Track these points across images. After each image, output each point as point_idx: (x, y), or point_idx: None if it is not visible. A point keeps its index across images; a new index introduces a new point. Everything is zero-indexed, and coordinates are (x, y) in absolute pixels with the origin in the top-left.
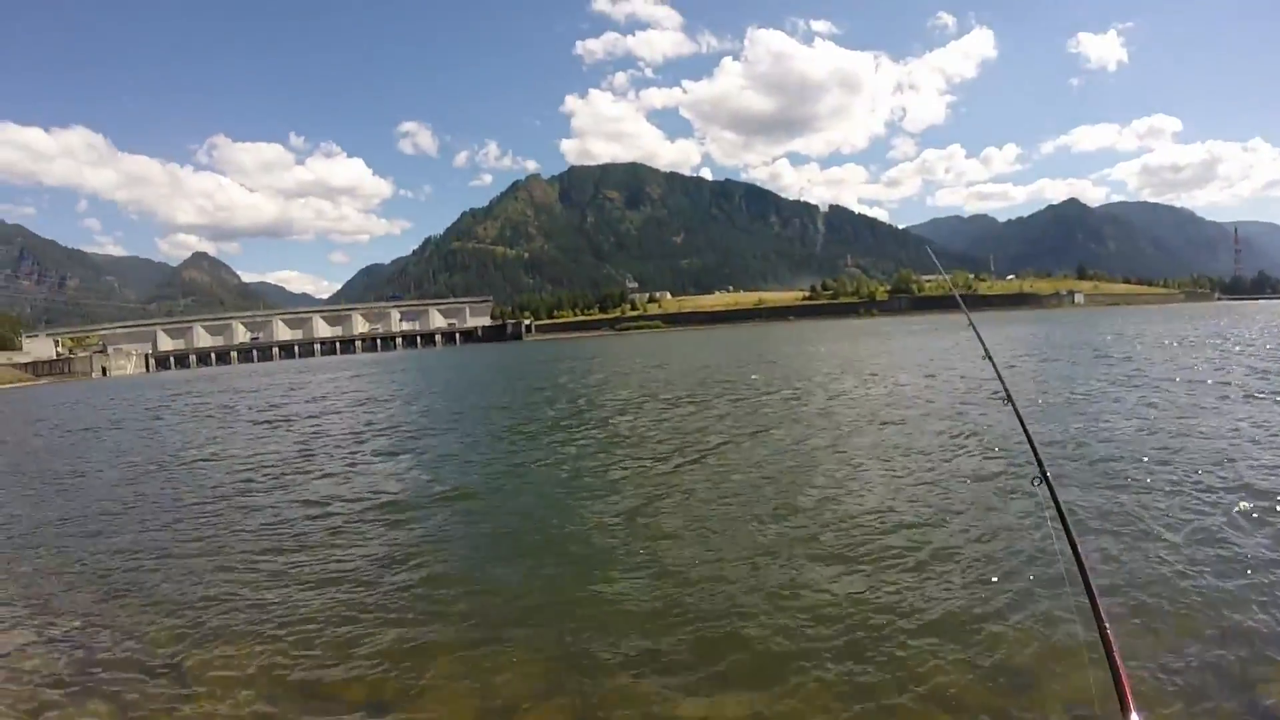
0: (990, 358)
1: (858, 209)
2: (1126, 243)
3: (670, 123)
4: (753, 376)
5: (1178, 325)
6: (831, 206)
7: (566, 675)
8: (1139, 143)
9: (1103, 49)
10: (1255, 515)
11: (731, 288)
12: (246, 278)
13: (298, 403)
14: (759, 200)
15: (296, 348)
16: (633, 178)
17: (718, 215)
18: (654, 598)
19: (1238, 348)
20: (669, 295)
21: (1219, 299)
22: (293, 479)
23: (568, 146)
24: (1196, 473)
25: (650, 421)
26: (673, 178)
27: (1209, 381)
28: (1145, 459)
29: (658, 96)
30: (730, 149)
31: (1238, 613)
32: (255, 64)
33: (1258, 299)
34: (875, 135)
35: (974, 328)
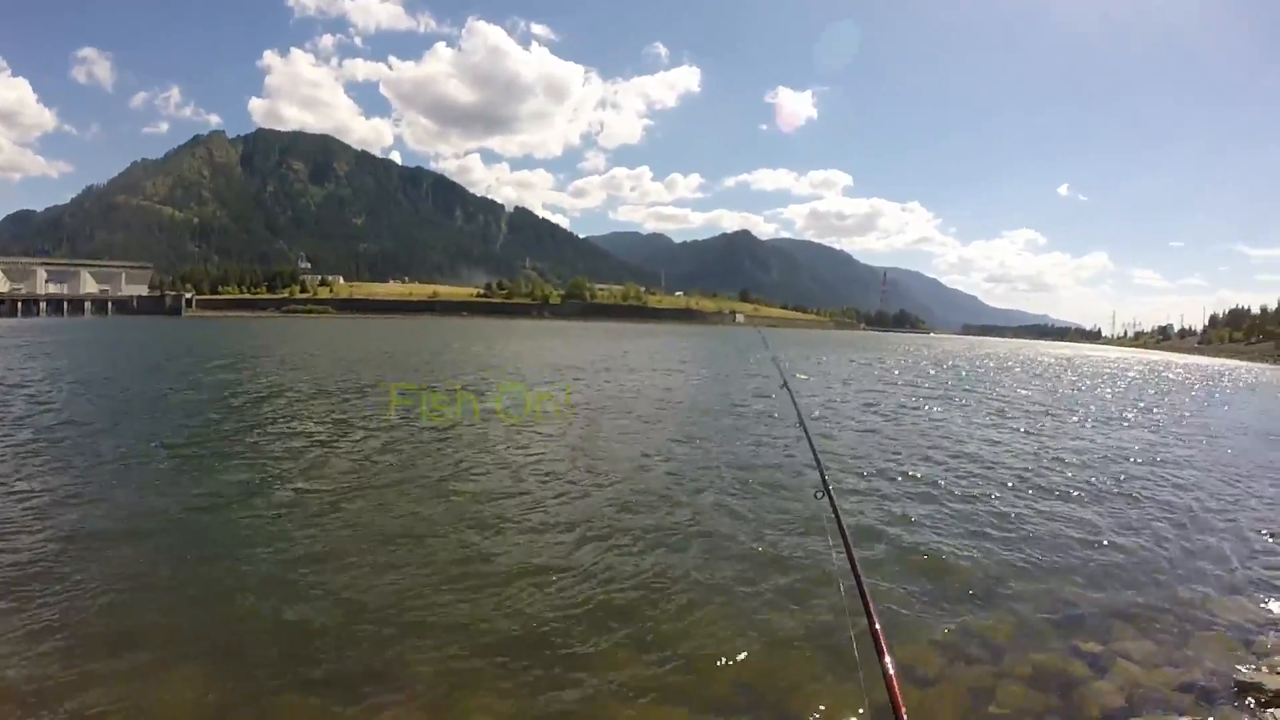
0: (787, 386)
1: (541, 214)
2: (789, 274)
3: (368, 99)
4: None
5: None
6: (517, 208)
7: (235, 697)
8: (811, 190)
9: (797, 104)
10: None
11: (407, 278)
12: None
13: None
14: (446, 192)
15: None
16: (322, 150)
17: (403, 202)
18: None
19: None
20: (342, 280)
21: (863, 328)
22: None
23: (257, 106)
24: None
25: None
26: (363, 157)
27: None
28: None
29: (362, 69)
30: (425, 136)
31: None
32: None
33: (895, 331)
34: (570, 145)
35: (777, 364)
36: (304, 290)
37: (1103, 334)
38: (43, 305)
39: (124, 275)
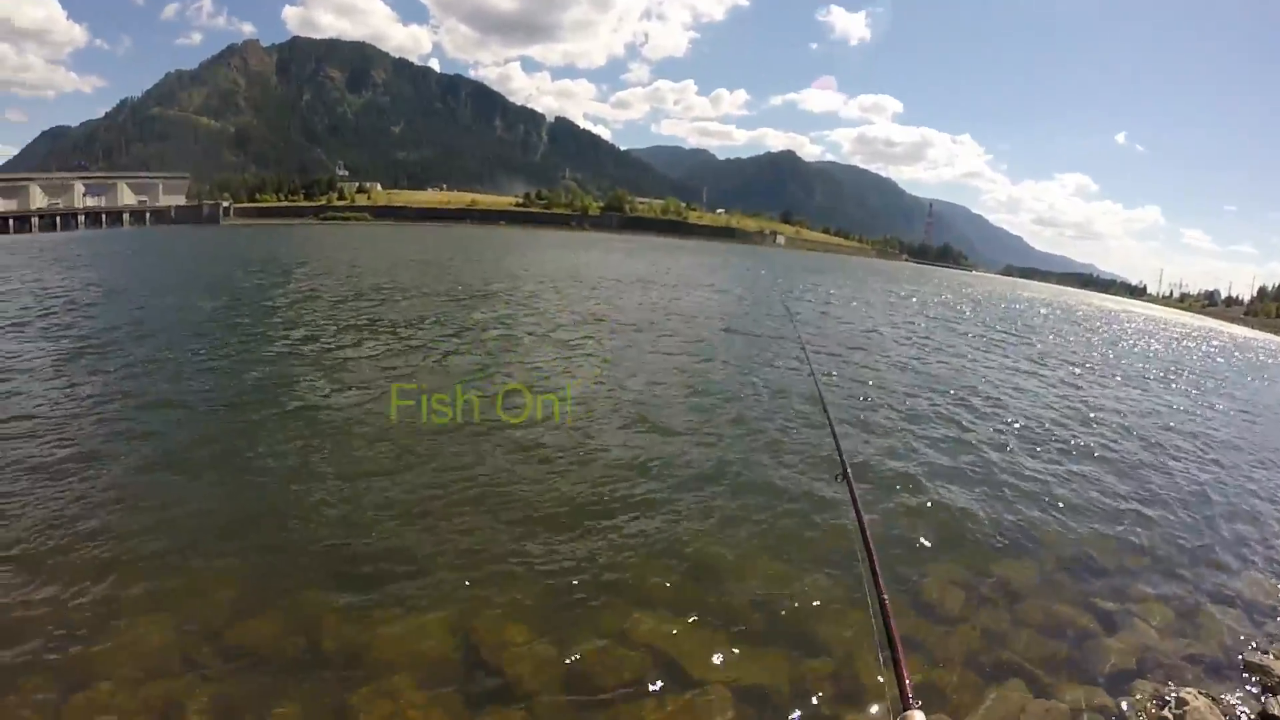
0: (805, 353)
1: (583, 124)
2: (833, 198)
3: (406, 5)
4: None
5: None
6: (558, 118)
7: (272, 592)
8: (861, 114)
9: (849, 24)
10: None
11: (445, 186)
12: None
13: None
14: (486, 101)
15: None
16: (359, 58)
17: (441, 110)
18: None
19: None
20: (379, 187)
21: (905, 259)
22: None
23: (291, 14)
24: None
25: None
26: (401, 65)
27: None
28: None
29: None
30: (464, 43)
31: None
32: None
33: (937, 265)
34: (614, 56)
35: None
36: (341, 197)
37: (1147, 291)
38: (81, 219)
39: (161, 186)
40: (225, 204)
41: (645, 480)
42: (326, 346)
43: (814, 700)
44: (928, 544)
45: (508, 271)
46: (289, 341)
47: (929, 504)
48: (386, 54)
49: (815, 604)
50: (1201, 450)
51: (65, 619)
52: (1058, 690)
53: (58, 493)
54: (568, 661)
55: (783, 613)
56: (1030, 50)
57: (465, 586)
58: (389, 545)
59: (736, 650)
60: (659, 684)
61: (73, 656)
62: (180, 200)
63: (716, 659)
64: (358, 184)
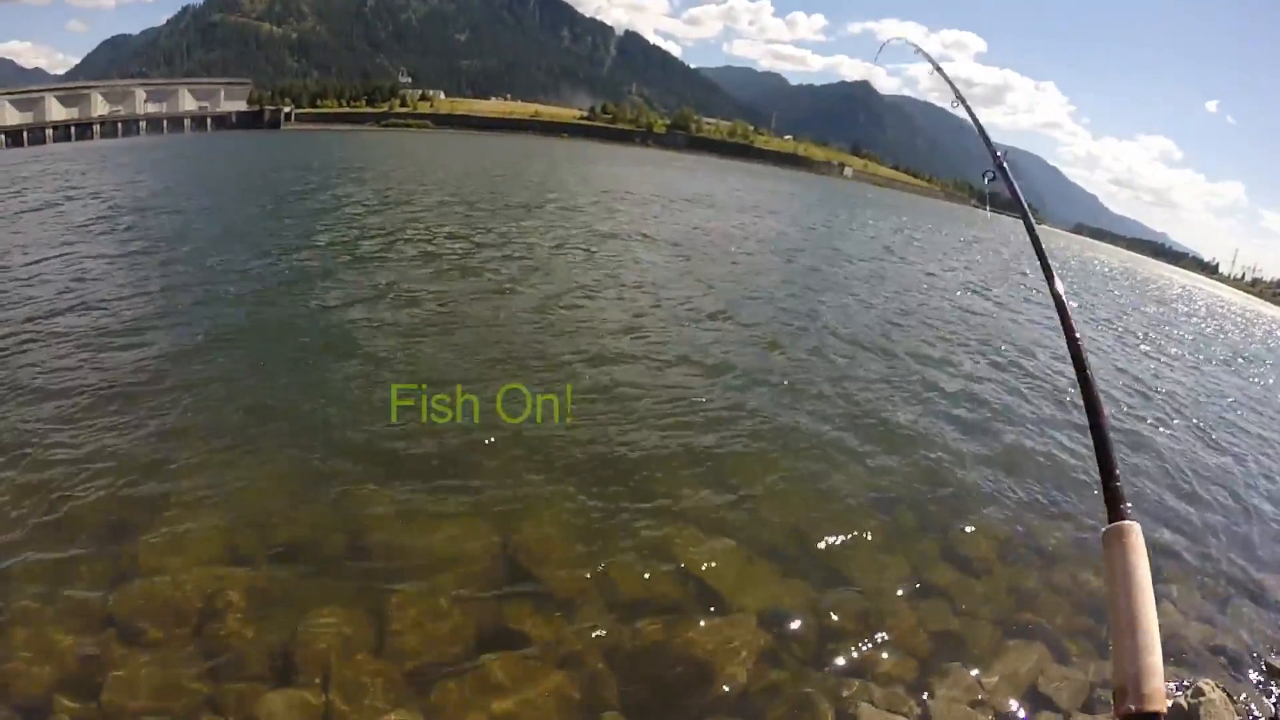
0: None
1: (653, 39)
2: (905, 134)
3: None
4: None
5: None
6: (627, 32)
7: (318, 488)
8: (942, 49)
9: None
10: None
11: (509, 96)
12: None
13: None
14: (554, 10)
15: (25, 134)
16: None
17: (508, 19)
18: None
19: None
20: (443, 95)
21: (974, 204)
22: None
23: None
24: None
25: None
26: None
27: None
28: None
29: None
30: None
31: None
32: None
33: (1007, 213)
34: None
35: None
36: (404, 105)
37: (1219, 269)
38: (143, 125)
39: (223, 91)
40: (287, 109)
41: (691, 409)
42: (373, 250)
43: (838, 637)
44: (969, 492)
45: (566, 187)
46: (344, 244)
47: (980, 452)
48: None
49: (850, 540)
50: (1258, 443)
51: (116, 508)
52: (1077, 659)
53: (116, 390)
54: (601, 571)
55: (820, 547)
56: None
57: (508, 493)
58: (434, 450)
59: (767, 579)
60: (691, 605)
61: (123, 548)
62: (242, 106)
63: (746, 585)
64: (421, 92)
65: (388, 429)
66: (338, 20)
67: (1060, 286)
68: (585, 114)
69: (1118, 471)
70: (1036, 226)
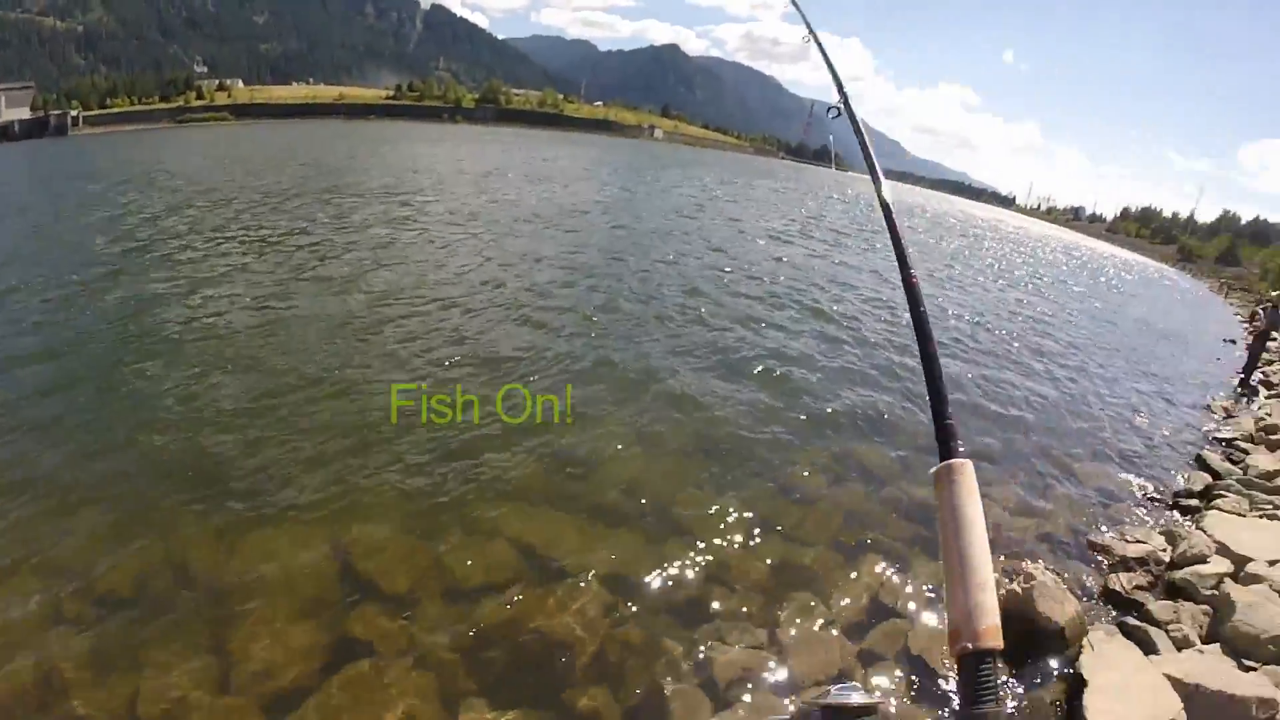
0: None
1: (460, 12)
2: (714, 95)
3: None
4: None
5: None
6: (434, 5)
7: (138, 529)
8: (750, 10)
9: None
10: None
11: (312, 80)
12: None
13: None
14: None
15: None
16: None
17: None
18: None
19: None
20: (241, 84)
21: (783, 158)
22: None
23: None
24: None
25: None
26: None
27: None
28: None
29: None
30: None
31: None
32: None
33: (814, 164)
34: None
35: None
36: (200, 97)
37: (1016, 202)
38: None
39: (3, 99)
40: (74, 113)
41: (502, 375)
42: (192, 258)
43: (683, 586)
44: (794, 429)
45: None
46: (147, 259)
47: (808, 394)
48: None
49: (683, 492)
50: (1070, 346)
51: None
52: (918, 566)
53: None
54: (437, 561)
55: (654, 501)
56: None
57: (332, 499)
58: (251, 463)
59: (605, 541)
60: (534, 579)
61: None
62: (25, 113)
63: (585, 550)
64: (218, 82)
65: (196, 449)
66: (126, 10)
67: (901, 227)
68: (392, 93)
69: (949, 411)
70: (845, 172)
